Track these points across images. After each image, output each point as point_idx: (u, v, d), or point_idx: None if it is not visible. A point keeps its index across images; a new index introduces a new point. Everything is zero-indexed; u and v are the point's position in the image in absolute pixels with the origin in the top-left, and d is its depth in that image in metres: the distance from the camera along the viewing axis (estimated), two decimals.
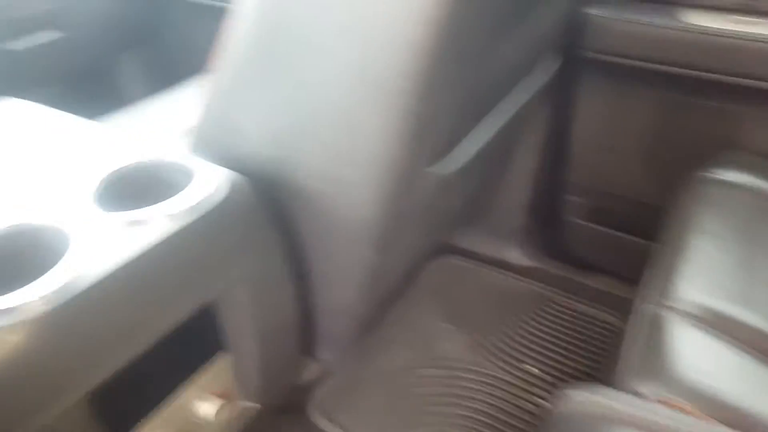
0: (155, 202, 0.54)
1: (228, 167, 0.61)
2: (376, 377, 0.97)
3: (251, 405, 0.68)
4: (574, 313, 1.11)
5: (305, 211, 0.65)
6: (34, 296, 0.43)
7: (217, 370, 0.63)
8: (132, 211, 0.52)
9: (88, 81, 1.43)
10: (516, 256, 1.26)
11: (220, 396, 0.63)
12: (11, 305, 0.42)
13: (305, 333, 0.75)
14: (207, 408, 0.61)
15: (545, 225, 1.25)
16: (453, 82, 0.59)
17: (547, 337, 1.06)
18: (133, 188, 0.57)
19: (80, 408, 0.46)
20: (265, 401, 0.69)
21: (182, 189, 0.56)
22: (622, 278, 1.14)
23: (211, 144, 0.66)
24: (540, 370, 0.99)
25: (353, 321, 0.79)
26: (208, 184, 0.56)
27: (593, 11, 0.98)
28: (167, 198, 0.55)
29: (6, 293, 0.44)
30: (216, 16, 1.35)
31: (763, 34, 0.87)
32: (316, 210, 0.63)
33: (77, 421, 0.46)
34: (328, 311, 0.75)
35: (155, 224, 0.51)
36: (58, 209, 0.52)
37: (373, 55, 0.51)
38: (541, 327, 1.08)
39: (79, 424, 0.47)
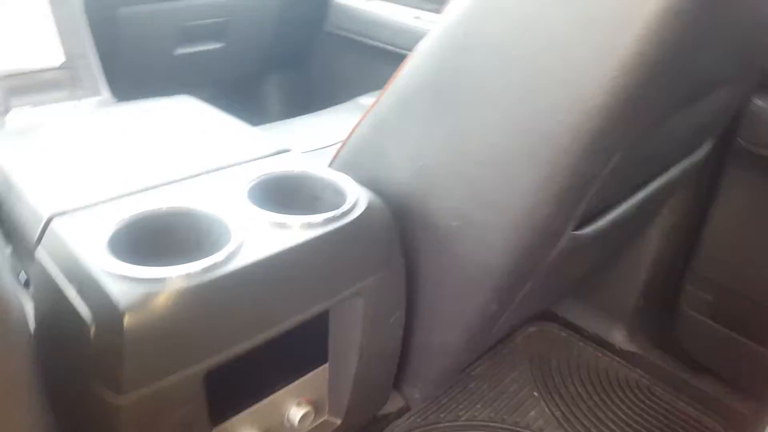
0: (297, 209, 0.58)
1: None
2: (454, 427, 0.95)
3: (335, 420, 0.70)
4: (675, 412, 1.04)
5: (432, 245, 0.66)
6: (183, 271, 0.48)
7: (315, 378, 0.66)
8: (278, 214, 0.56)
9: (236, 92, 1.56)
10: (621, 338, 1.20)
11: (310, 404, 0.66)
12: (164, 275, 0.48)
13: (399, 365, 0.76)
14: (294, 411, 0.64)
15: (659, 313, 1.19)
16: (618, 150, 0.58)
17: (642, 430, 1.00)
18: (280, 193, 0.63)
19: (197, 381, 0.50)
20: (350, 420, 0.70)
21: (323, 201, 0.61)
22: (736, 387, 1.05)
23: (353, 164, 0.71)
24: None
25: (448, 364, 0.79)
26: (348, 199, 0.60)
27: (756, 101, 0.94)
28: (309, 206, 0.59)
29: (163, 264, 0.49)
30: (360, 50, 1.44)
31: None
32: (443, 246, 0.65)
33: (191, 392, 0.50)
34: (426, 348, 0.76)
35: (296, 229, 0.55)
36: (219, 200, 0.58)
37: (546, 110, 0.52)
38: (637, 418, 1.02)
39: (192, 396, 0.51)
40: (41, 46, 0.91)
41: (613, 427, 0.99)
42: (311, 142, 0.95)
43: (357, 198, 0.61)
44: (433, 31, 0.60)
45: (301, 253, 0.54)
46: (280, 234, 0.54)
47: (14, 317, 0.33)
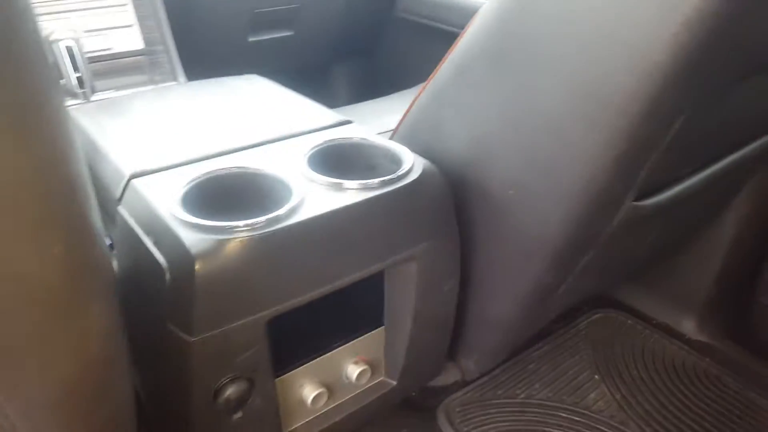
0: (355, 175, 0.61)
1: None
2: (511, 404, 0.96)
3: (390, 381, 0.72)
4: (746, 402, 0.99)
5: (487, 214, 0.67)
6: (248, 222, 0.52)
7: (372, 340, 0.69)
8: (336, 178, 0.59)
9: (306, 78, 1.60)
10: (691, 328, 1.16)
11: (368, 363, 0.68)
12: (232, 225, 0.52)
13: (454, 335, 0.77)
14: (352, 369, 0.67)
15: (733, 303, 1.14)
16: (680, 116, 0.56)
17: (709, 418, 0.97)
18: (339, 160, 0.66)
19: (261, 327, 0.54)
20: (404, 383, 0.73)
21: (380, 168, 0.63)
22: None
23: (412, 135, 0.72)
24: None
25: (504, 336, 0.80)
26: (404, 165, 0.62)
27: None
28: (366, 174, 0.62)
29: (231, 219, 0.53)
30: (429, 35, 1.45)
31: None
32: (498, 215, 0.66)
33: (256, 336, 0.54)
34: (482, 319, 0.77)
35: (352, 190, 0.58)
36: (282, 164, 0.62)
37: (604, 72, 0.51)
38: (703, 406, 0.99)
39: (257, 341, 0.55)
40: (123, 32, 0.98)
41: (676, 413, 0.96)
42: (377, 124, 0.97)
43: (412, 164, 0.62)
44: None
45: (356, 213, 0.57)
46: (337, 195, 0.57)
47: (101, 246, 0.37)
